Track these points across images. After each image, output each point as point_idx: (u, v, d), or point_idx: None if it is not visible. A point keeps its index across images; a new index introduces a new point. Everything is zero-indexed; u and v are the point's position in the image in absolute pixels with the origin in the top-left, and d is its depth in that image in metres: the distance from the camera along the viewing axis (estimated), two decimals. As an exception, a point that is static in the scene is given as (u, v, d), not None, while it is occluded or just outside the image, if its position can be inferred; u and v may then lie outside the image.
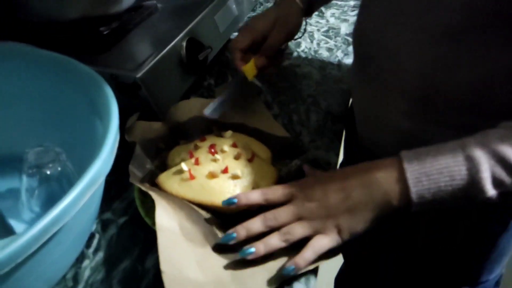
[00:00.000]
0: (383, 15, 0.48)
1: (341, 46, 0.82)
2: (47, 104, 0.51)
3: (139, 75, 0.53)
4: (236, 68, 0.59)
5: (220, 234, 0.44)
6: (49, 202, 0.48)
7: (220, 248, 0.42)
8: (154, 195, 0.42)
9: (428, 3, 0.43)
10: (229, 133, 0.52)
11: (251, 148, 0.51)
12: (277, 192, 0.42)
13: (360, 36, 0.55)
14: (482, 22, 0.40)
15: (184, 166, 0.46)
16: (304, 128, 0.62)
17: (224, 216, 0.46)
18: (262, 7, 0.94)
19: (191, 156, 0.48)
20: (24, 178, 0.46)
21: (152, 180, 0.48)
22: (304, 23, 0.64)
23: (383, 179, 0.38)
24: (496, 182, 0.36)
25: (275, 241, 0.40)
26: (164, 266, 0.37)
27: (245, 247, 0.40)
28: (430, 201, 0.37)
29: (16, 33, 0.61)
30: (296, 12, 0.61)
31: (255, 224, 0.41)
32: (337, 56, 0.79)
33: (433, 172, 0.36)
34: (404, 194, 0.37)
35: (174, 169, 0.47)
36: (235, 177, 0.46)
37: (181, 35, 0.61)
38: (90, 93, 0.46)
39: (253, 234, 0.41)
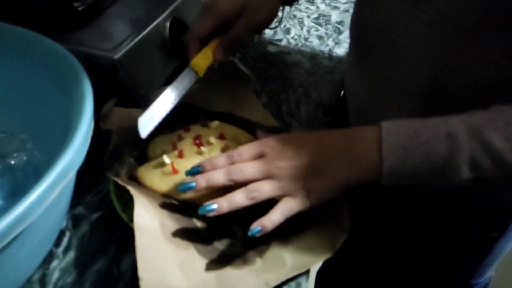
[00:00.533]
0: (390, 4, 0.43)
1: (332, 34, 0.78)
2: (11, 85, 0.46)
3: (117, 56, 0.48)
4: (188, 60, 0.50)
5: (204, 233, 0.40)
6: (14, 194, 0.43)
7: (204, 250, 0.38)
8: (132, 190, 0.38)
9: None
10: (215, 123, 0.48)
11: (239, 140, 0.48)
12: (244, 152, 0.39)
13: (361, 25, 0.50)
14: (503, 15, 0.36)
15: (166, 159, 0.42)
16: (294, 120, 0.59)
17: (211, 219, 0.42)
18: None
19: (174, 148, 0.44)
20: (-16, 168, 0.41)
21: (130, 173, 0.44)
22: (280, 13, 0.56)
23: (360, 147, 0.37)
24: (474, 165, 0.34)
25: (240, 198, 0.37)
26: (142, 272, 0.33)
27: (207, 203, 0.37)
28: (402, 176, 0.36)
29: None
30: (274, 2, 0.52)
31: (217, 175, 0.38)
32: (328, 45, 0.76)
33: (411, 146, 0.35)
34: (377, 165, 0.36)
35: (155, 162, 0.43)
36: None
37: (164, 14, 0.56)
38: (60, 74, 0.41)
39: (215, 185, 0.38)
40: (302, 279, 0.40)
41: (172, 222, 0.39)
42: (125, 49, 0.50)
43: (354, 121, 0.59)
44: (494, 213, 0.52)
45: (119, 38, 0.52)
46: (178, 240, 0.37)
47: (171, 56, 0.58)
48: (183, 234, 0.38)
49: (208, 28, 0.49)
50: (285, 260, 0.39)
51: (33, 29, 0.43)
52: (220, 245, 0.40)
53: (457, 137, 0.34)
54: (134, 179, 0.43)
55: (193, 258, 0.37)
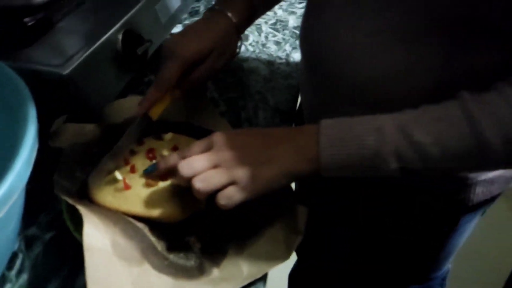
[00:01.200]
0: (335, 17, 0.45)
1: (289, 39, 0.80)
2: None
3: (66, 71, 0.48)
4: (140, 109, 0.47)
5: (160, 248, 0.40)
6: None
7: (159, 265, 0.38)
8: (82, 209, 0.38)
9: (385, 5, 0.40)
10: (169, 135, 0.49)
11: None
12: (193, 148, 0.41)
13: (308, 37, 0.51)
14: (441, 26, 0.38)
15: (118, 175, 0.42)
16: (252, 126, 0.60)
17: (164, 227, 0.42)
18: (208, -3, 0.90)
19: (127, 163, 0.44)
20: None
21: (83, 190, 0.43)
22: (239, 43, 0.57)
23: (301, 140, 0.40)
24: (399, 157, 0.37)
25: (194, 189, 0.38)
26: None
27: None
28: (338, 166, 0.38)
29: None
30: (233, 34, 0.54)
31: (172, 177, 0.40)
32: (285, 50, 0.77)
33: (345, 139, 0.38)
34: (316, 156, 0.38)
35: (107, 179, 0.43)
36: (175, 185, 0.42)
37: (116, 26, 0.56)
38: (4, 93, 0.40)
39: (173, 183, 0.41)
40: (259, 284, 0.41)
41: (124, 240, 0.38)
42: (75, 64, 0.49)
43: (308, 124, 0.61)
44: (444, 209, 0.54)
45: (69, 52, 0.51)
46: (131, 257, 0.37)
47: (125, 69, 0.58)
48: (137, 250, 0.38)
49: (177, 77, 0.49)
50: (242, 267, 0.40)
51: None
52: (176, 259, 0.40)
53: (385, 131, 0.37)
54: (87, 197, 0.43)
55: (147, 273, 0.37)
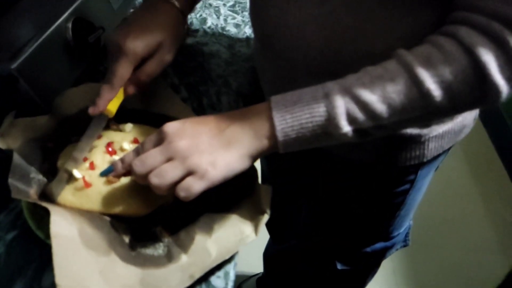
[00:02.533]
0: None
1: (248, 21, 0.79)
2: None
3: (14, 65, 0.46)
4: (96, 108, 0.45)
5: (127, 240, 0.40)
6: None
7: (126, 256, 0.38)
8: (45, 203, 0.37)
9: None
10: (129, 126, 0.47)
11: None
12: (147, 141, 0.40)
13: (259, 15, 0.52)
14: None
15: (76, 173, 0.41)
16: (215, 112, 0.60)
17: (130, 219, 0.42)
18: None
19: (85, 159, 0.43)
20: None
21: (40, 190, 0.42)
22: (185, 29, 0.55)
23: (254, 119, 0.39)
24: (350, 119, 0.38)
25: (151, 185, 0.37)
26: (60, 279, 0.32)
27: None
28: (294, 139, 0.39)
29: None
30: (179, 21, 0.52)
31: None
32: (245, 33, 0.76)
33: (295, 110, 0.38)
34: (271, 131, 0.39)
35: (66, 177, 0.42)
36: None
37: (65, 15, 0.53)
38: None
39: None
40: (229, 267, 0.42)
41: (92, 230, 0.38)
42: (24, 56, 0.47)
43: None
44: (400, 169, 0.57)
45: (16, 45, 0.48)
46: (98, 247, 0.37)
47: (78, 58, 0.56)
48: (104, 241, 0.38)
49: (129, 74, 0.47)
50: (210, 250, 0.40)
51: None
52: (144, 249, 0.40)
53: (332, 95, 0.37)
54: (46, 198, 0.41)
55: (114, 263, 0.37)
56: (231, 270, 0.41)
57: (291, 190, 0.80)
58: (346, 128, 0.38)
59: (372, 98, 0.37)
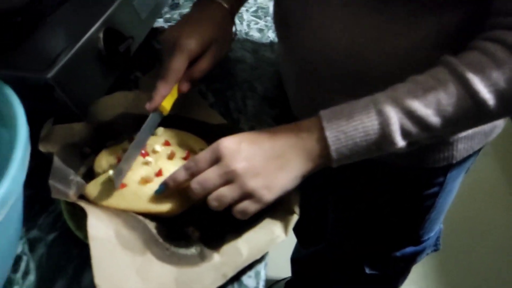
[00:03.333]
0: None
1: (271, 26, 0.80)
2: None
3: (50, 74, 0.48)
4: (152, 103, 0.46)
5: (161, 240, 0.41)
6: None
7: (162, 255, 0.39)
8: (83, 204, 0.38)
9: None
10: (160, 130, 0.49)
11: (187, 144, 0.49)
12: (200, 161, 0.40)
13: (282, 18, 0.53)
14: None
15: (112, 174, 0.43)
16: (242, 115, 0.61)
17: (164, 219, 0.43)
18: (186, -11, 0.90)
19: (119, 160, 0.45)
20: None
21: (80, 192, 0.44)
22: (234, 29, 0.57)
23: (307, 139, 0.40)
24: (405, 133, 0.38)
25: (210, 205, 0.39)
26: (98, 280, 0.34)
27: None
28: (348, 156, 0.39)
29: None
30: (228, 20, 0.54)
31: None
32: (268, 37, 0.77)
33: (349, 129, 0.38)
34: (325, 151, 0.39)
35: (102, 178, 0.43)
36: None
37: (96, 25, 0.56)
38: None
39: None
40: (260, 267, 0.42)
41: (127, 230, 0.39)
42: (59, 66, 0.49)
43: (294, 108, 0.62)
44: (429, 171, 0.56)
45: (52, 55, 0.51)
46: (134, 247, 0.38)
47: (110, 67, 0.58)
48: (139, 241, 0.39)
49: (184, 69, 0.48)
50: (241, 250, 0.41)
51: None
52: (177, 248, 0.41)
53: (386, 112, 0.37)
54: (84, 198, 0.43)
55: (150, 263, 0.38)
56: (262, 270, 0.42)
57: (319, 195, 0.79)
58: (400, 143, 0.38)
59: (427, 112, 0.37)
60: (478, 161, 0.62)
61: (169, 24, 0.79)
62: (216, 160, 0.39)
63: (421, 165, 0.55)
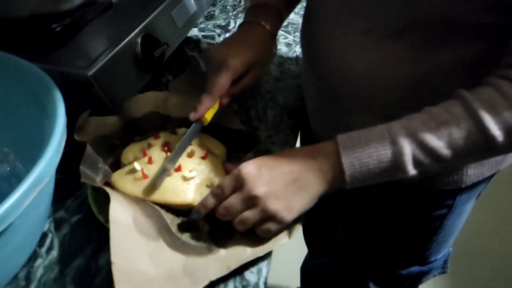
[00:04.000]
0: (330, 17, 0.49)
1: (299, 41, 0.83)
2: (-5, 103, 0.50)
3: (91, 72, 0.53)
4: (196, 114, 0.51)
5: (173, 229, 0.45)
6: (-1, 203, 0.48)
7: (173, 243, 0.43)
8: (108, 189, 0.43)
9: (376, 7, 0.44)
10: (182, 130, 0.53)
11: (206, 145, 0.52)
12: (225, 188, 0.44)
13: (308, 37, 0.56)
14: (424, 23, 0.42)
15: (137, 165, 0.47)
16: (261, 124, 0.64)
17: (178, 211, 0.47)
18: (222, 1, 0.95)
19: (144, 154, 0.49)
20: (-29, 179, 0.45)
21: (105, 179, 0.48)
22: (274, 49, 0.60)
23: (324, 163, 0.43)
24: (416, 163, 0.40)
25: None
26: (114, 258, 0.38)
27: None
28: (361, 180, 0.42)
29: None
30: (270, 41, 0.57)
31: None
32: (295, 52, 0.80)
33: (364, 156, 0.40)
34: (341, 176, 0.42)
35: (127, 168, 0.48)
36: (188, 176, 0.47)
37: (135, 31, 0.61)
38: (36, 92, 0.45)
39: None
40: (263, 265, 0.45)
41: (144, 218, 0.43)
42: (99, 66, 0.54)
43: (312, 121, 0.64)
44: (438, 193, 0.57)
45: (93, 55, 0.56)
46: (149, 233, 0.42)
47: (144, 70, 0.62)
48: (154, 228, 0.43)
49: (227, 87, 0.52)
50: (246, 247, 0.44)
51: (15, 51, 0.48)
52: (188, 239, 0.44)
53: (399, 142, 0.40)
54: (109, 185, 0.47)
55: (161, 248, 0.41)
56: (264, 268, 0.44)
57: (331, 212, 0.81)
58: (412, 172, 0.40)
59: (439, 144, 0.39)
60: (492, 187, 0.63)
61: (203, 34, 0.84)
62: (239, 186, 0.43)
63: (430, 187, 0.56)
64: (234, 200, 0.43)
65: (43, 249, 0.45)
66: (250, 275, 0.44)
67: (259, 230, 0.43)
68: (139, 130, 0.55)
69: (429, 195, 0.58)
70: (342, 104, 0.53)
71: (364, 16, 0.45)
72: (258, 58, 0.54)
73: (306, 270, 1.04)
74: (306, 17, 0.57)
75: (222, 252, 0.43)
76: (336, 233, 0.79)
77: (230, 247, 0.43)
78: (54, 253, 0.45)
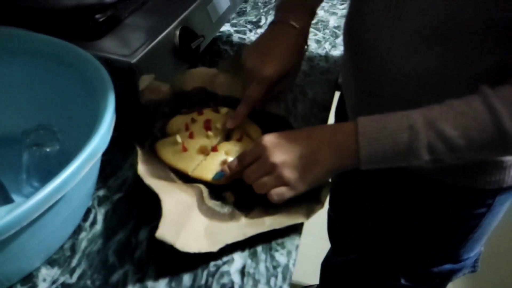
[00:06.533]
0: (377, 18, 0.50)
1: (329, 38, 0.85)
2: (45, 86, 0.54)
3: (134, 60, 0.56)
4: (233, 122, 0.53)
5: (204, 194, 0.48)
6: (48, 178, 0.51)
7: (201, 206, 0.47)
8: (156, 187, 0.46)
9: (420, 8, 0.45)
10: (224, 109, 0.56)
11: (243, 127, 0.55)
12: (248, 155, 0.47)
13: (352, 35, 0.57)
14: (467, 27, 0.43)
15: (178, 138, 0.50)
16: (291, 116, 0.66)
17: (209, 184, 0.50)
18: (254, -2, 0.97)
19: (187, 128, 0.52)
20: (25, 156, 0.48)
21: (152, 144, 0.53)
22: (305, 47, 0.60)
23: (341, 140, 0.45)
24: (430, 149, 0.41)
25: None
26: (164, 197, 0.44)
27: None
28: (375, 161, 0.43)
29: (14, 19, 0.63)
30: (302, 43, 0.57)
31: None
32: (325, 48, 0.82)
33: (381, 137, 0.42)
34: (356, 154, 0.43)
35: (170, 139, 0.51)
36: (222, 159, 0.50)
37: (174, 23, 0.64)
38: (86, 75, 0.49)
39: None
40: (292, 248, 0.47)
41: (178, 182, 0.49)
42: (141, 54, 0.57)
43: (351, 117, 0.66)
44: (479, 192, 0.57)
45: (136, 45, 0.59)
46: (185, 195, 0.47)
47: (181, 60, 0.65)
48: (189, 192, 0.47)
49: (262, 96, 0.54)
50: (265, 219, 0.46)
51: (63, 38, 0.51)
52: (214, 205, 0.48)
53: (416, 128, 0.41)
54: (154, 151, 0.52)
55: (191, 209, 0.45)
56: (293, 250, 0.46)
57: (362, 206, 0.81)
58: (425, 157, 0.41)
59: (454, 133, 0.40)
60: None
61: (235, 29, 0.87)
62: (260, 153, 0.46)
63: (471, 185, 0.56)
64: (254, 166, 0.46)
65: (87, 223, 0.48)
66: (280, 257, 0.46)
67: (273, 192, 0.45)
68: (187, 103, 0.59)
69: (470, 194, 0.58)
70: (386, 104, 0.54)
71: (411, 18, 0.46)
72: (289, 66, 0.54)
73: (329, 266, 1.05)
74: (350, 16, 0.58)
75: (242, 220, 0.46)
76: (364, 229, 0.80)
77: (251, 217, 0.47)
78: (97, 227, 0.48)
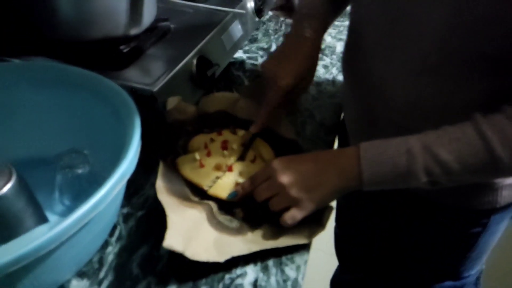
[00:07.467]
0: (370, 49, 0.55)
1: (336, 63, 0.90)
2: (76, 113, 0.59)
3: (155, 89, 0.61)
4: (255, 127, 0.59)
5: (214, 210, 0.53)
6: (78, 197, 0.56)
7: (211, 220, 0.51)
8: (165, 203, 0.51)
9: (410, 40, 0.49)
10: (241, 132, 0.61)
11: (257, 149, 0.59)
12: (259, 175, 0.52)
13: (348, 65, 0.62)
14: (454, 59, 0.46)
15: (197, 155, 0.55)
16: (299, 138, 0.70)
17: (221, 202, 0.54)
18: (264, 26, 1.03)
19: (205, 147, 0.57)
20: (58, 177, 0.54)
21: (174, 159, 0.58)
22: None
23: (345, 163, 0.49)
24: (427, 172, 0.45)
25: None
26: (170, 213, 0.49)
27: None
28: (377, 182, 0.47)
29: (46, 51, 0.69)
30: (317, 52, 0.60)
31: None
32: (332, 73, 0.87)
33: (381, 161, 0.46)
34: (358, 176, 0.47)
35: (190, 156, 0.56)
36: (236, 179, 0.55)
37: (192, 53, 0.69)
38: (114, 104, 0.54)
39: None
40: (301, 262, 0.50)
41: (192, 197, 0.53)
42: (162, 83, 0.63)
43: (353, 141, 0.70)
44: (474, 212, 0.60)
45: (157, 74, 0.65)
46: (196, 209, 0.51)
47: (198, 87, 0.71)
48: (200, 206, 0.52)
49: (278, 101, 0.58)
50: (269, 237, 0.51)
51: (89, 69, 0.57)
52: (223, 220, 0.52)
53: (413, 152, 0.45)
54: (175, 165, 0.57)
55: (201, 222, 0.50)
56: (302, 265, 0.50)
57: (369, 227, 0.84)
58: (423, 179, 0.45)
59: (449, 158, 0.44)
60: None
61: (247, 55, 0.92)
62: (269, 176, 0.50)
63: (466, 206, 0.59)
64: (264, 185, 0.50)
65: (113, 238, 0.53)
66: (290, 271, 0.50)
67: (286, 216, 0.49)
68: (209, 124, 0.64)
69: (465, 214, 0.61)
70: (382, 129, 0.58)
71: (402, 49, 0.50)
72: (305, 72, 0.58)
73: (336, 283, 1.07)
74: (348, 46, 0.62)
75: (249, 235, 0.50)
76: (369, 246, 0.83)
77: (256, 234, 0.51)
78: (122, 242, 0.53)
